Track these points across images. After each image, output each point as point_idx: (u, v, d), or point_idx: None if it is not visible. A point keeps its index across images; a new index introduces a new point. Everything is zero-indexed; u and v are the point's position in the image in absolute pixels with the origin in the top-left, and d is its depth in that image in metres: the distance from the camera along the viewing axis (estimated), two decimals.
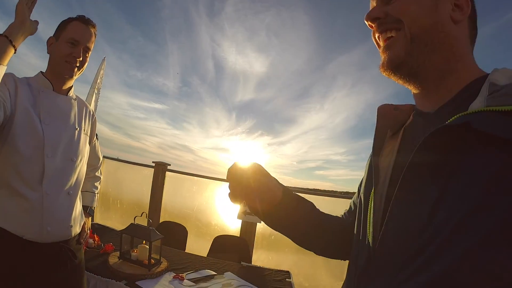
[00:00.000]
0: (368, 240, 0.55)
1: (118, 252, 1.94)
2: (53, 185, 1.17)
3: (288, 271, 2.22)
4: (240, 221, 3.66)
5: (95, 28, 1.30)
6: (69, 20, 1.26)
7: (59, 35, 1.24)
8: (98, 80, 4.19)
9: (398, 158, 0.57)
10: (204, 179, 4.29)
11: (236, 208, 3.64)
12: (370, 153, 0.67)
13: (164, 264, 1.94)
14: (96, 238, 2.12)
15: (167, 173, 4.26)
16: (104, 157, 4.58)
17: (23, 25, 1.06)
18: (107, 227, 2.81)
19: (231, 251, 2.89)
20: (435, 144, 0.45)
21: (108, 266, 1.80)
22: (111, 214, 4.49)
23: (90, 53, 1.30)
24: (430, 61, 0.54)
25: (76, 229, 1.31)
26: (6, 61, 1.01)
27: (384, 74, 0.59)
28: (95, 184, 1.65)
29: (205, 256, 2.77)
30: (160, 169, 4.24)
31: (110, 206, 4.49)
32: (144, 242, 1.91)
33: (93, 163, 1.59)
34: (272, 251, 3.80)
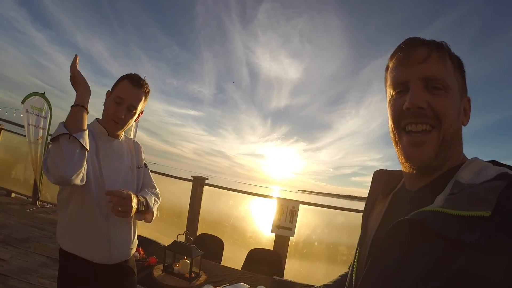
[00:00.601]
0: None
1: (162, 265, 2.15)
2: (116, 219, 1.36)
3: (315, 286, 2.30)
4: (274, 234, 3.82)
5: (143, 88, 1.43)
6: (122, 78, 1.42)
7: (112, 91, 1.42)
8: None
9: (381, 223, 0.68)
10: (240, 193, 4.50)
11: (270, 221, 3.81)
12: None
13: (203, 277, 2.13)
14: (141, 252, 2.35)
15: (205, 186, 4.51)
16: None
17: (87, 90, 1.28)
18: (150, 240, 3.05)
19: (264, 264, 3.03)
20: (399, 229, 0.55)
21: (153, 279, 2.00)
22: (152, 225, 4.78)
23: (137, 110, 1.44)
24: (443, 159, 0.60)
25: (134, 249, 1.53)
26: (85, 126, 1.22)
27: (408, 165, 0.63)
28: (153, 191, 1.62)
29: (240, 268, 2.95)
30: (198, 183, 4.48)
31: None
32: (185, 257, 2.11)
33: (149, 185, 1.65)
34: (304, 261, 3.91)
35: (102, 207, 1.32)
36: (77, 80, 1.27)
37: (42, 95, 5.60)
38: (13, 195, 6.06)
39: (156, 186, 1.68)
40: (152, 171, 5.02)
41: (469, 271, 0.45)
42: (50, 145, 1.18)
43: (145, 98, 1.46)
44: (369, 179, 0.81)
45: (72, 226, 1.36)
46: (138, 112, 1.45)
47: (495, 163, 0.58)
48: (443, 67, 0.60)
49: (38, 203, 5.89)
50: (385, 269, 0.57)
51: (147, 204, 1.44)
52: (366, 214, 0.76)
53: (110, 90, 1.45)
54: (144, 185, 1.60)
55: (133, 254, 1.56)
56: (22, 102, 5.42)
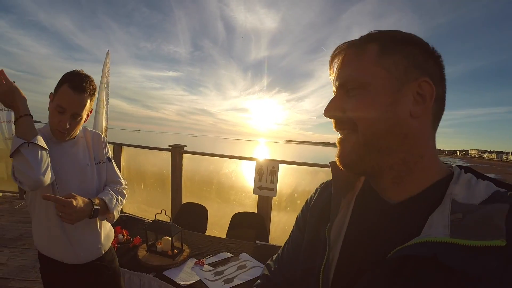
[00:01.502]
0: None
1: (145, 245, 2.19)
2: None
3: None
4: (256, 196, 3.90)
5: (87, 92, 1.33)
6: (62, 82, 1.31)
7: (54, 96, 1.33)
8: (106, 74, 4.33)
9: (347, 237, 0.60)
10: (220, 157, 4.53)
11: (252, 183, 3.87)
12: (307, 203, 0.77)
13: (186, 252, 2.19)
14: (125, 233, 2.38)
15: (184, 154, 4.50)
16: (122, 144, 4.84)
17: (24, 98, 1.24)
18: (134, 217, 3.09)
19: (248, 227, 3.14)
20: (395, 263, 0.48)
21: (138, 260, 2.05)
22: (136, 198, 4.81)
23: (84, 115, 1.37)
24: (386, 164, 0.55)
25: (107, 245, 1.54)
26: (36, 130, 1.23)
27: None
28: (116, 188, 1.56)
29: (225, 234, 3.04)
30: (177, 152, 4.46)
31: (135, 190, 4.79)
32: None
33: (114, 180, 1.60)
34: (288, 219, 4.04)
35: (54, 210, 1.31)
36: (15, 95, 1.20)
37: None
38: None
39: (122, 180, 1.62)
40: (130, 145, 4.97)
41: None
42: (13, 160, 1.17)
43: (91, 99, 1.38)
44: None
45: (40, 229, 1.39)
46: (85, 115, 1.39)
47: (471, 170, 0.55)
48: (357, 63, 0.55)
49: (25, 197, 5.83)
50: None
51: (106, 206, 1.42)
52: (320, 218, 0.68)
53: (52, 92, 1.35)
54: (108, 181, 1.56)
55: (110, 248, 1.57)
56: None
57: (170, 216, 2.29)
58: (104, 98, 4.25)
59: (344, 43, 0.58)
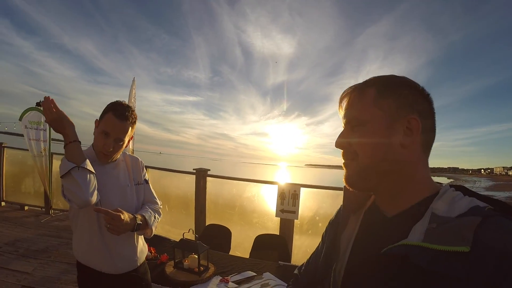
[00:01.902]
0: None
1: (172, 262, 2.30)
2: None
3: None
4: (279, 218, 3.97)
5: (129, 120, 1.50)
6: (107, 110, 1.49)
7: (99, 122, 1.51)
8: (132, 100, 4.58)
9: (355, 245, 0.74)
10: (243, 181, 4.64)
11: (274, 207, 3.95)
12: (330, 221, 0.91)
13: (211, 270, 2.27)
14: (153, 250, 2.50)
15: (208, 178, 4.64)
16: (147, 166, 5.03)
17: (73, 125, 1.38)
18: (161, 237, 3.20)
19: (271, 248, 3.18)
20: (380, 261, 0.63)
21: (166, 275, 2.15)
22: (162, 219, 4.93)
23: (125, 140, 1.53)
24: (382, 184, 0.68)
25: (142, 259, 1.67)
26: (84, 155, 1.37)
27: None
28: (153, 207, 1.72)
29: (248, 255, 3.10)
30: (201, 175, 4.61)
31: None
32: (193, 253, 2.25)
33: (151, 200, 1.75)
34: (310, 242, 4.06)
35: (101, 225, 1.45)
36: (64, 121, 1.35)
37: (37, 108, 5.75)
38: (26, 208, 6.35)
39: (157, 200, 1.78)
40: (155, 168, 5.16)
41: None
42: (62, 179, 1.31)
43: (132, 127, 1.54)
44: None
45: (82, 241, 1.52)
46: (126, 141, 1.54)
47: (463, 189, 0.64)
48: (358, 105, 0.69)
49: (51, 211, 6.16)
50: None
51: (146, 222, 1.55)
52: (337, 230, 0.84)
53: (98, 119, 1.53)
54: (145, 200, 1.70)
55: (144, 262, 1.69)
56: (20, 119, 5.64)
57: (197, 236, 2.39)
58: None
59: (350, 87, 0.73)
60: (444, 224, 0.56)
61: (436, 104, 0.69)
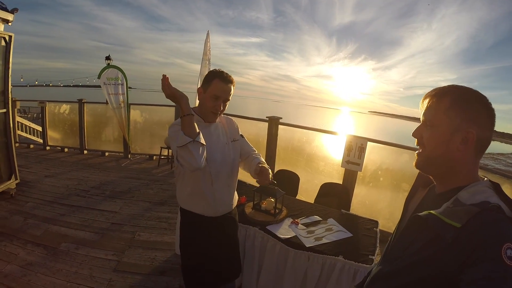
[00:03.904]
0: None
1: (251, 203, 2.77)
2: (219, 184, 1.82)
3: (376, 221, 2.75)
4: (343, 169, 4.27)
5: (232, 83, 1.75)
6: (212, 77, 1.72)
7: (206, 89, 1.74)
8: (208, 52, 4.91)
9: (417, 209, 0.98)
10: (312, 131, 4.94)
11: (340, 157, 4.23)
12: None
13: (284, 212, 2.71)
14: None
15: (279, 126, 5.01)
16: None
17: (186, 99, 1.58)
18: (240, 181, 3.67)
19: (334, 196, 3.50)
20: (415, 220, 0.85)
21: (245, 215, 2.61)
22: None
23: (230, 98, 1.79)
24: (438, 172, 0.90)
25: (235, 203, 2.06)
26: (197, 128, 1.58)
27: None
28: (257, 155, 2.04)
29: (313, 201, 3.48)
30: (273, 123, 4.98)
31: None
32: (270, 196, 2.68)
33: (248, 151, 2.04)
34: (369, 193, 4.33)
35: (208, 176, 1.80)
36: (176, 96, 1.58)
37: (114, 66, 6.63)
38: (107, 154, 7.33)
39: (254, 149, 2.10)
40: (230, 114, 5.65)
41: (439, 254, 0.75)
42: (178, 148, 1.53)
43: (233, 88, 1.80)
44: None
45: (188, 191, 1.84)
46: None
47: (496, 186, 0.83)
48: (434, 110, 0.87)
49: (129, 155, 7.13)
50: (402, 243, 0.91)
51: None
52: (409, 198, 1.10)
53: (201, 87, 1.79)
54: (246, 152, 2.03)
55: (234, 207, 2.07)
56: (98, 77, 6.43)
57: (275, 182, 2.80)
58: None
59: (433, 89, 0.90)
60: (458, 207, 0.78)
61: None
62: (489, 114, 0.83)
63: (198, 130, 1.57)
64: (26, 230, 3.55)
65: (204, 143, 1.57)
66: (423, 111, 0.92)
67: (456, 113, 0.83)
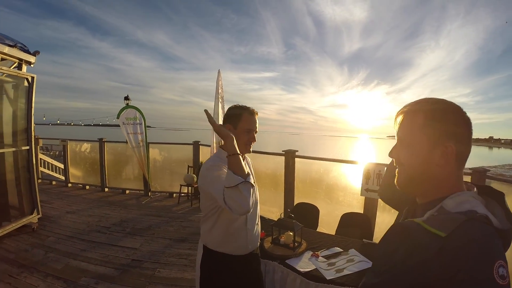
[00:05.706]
0: None
1: (270, 238, 2.74)
2: (251, 224, 1.83)
3: None
4: (363, 198, 4.21)
5: (257, 114, 1.82)
6: (240, 112, 1.76)
7: (236, 125, 1.75)
8: (220, 90, 5.06)
9: (404, 217, 0.99)
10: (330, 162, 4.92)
11: (359, 185, 4.18)
12: None
13: (304, 245, 2.67)
14: None
15: (296, 159, 5.02)
16: None
17: (232, 138, 1.47)
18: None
19: (355, 226, 3.45)
20: (398, 228, 0.81)
21: (265, 250, 2.59)
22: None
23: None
24: (420, 190, 0.87)
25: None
26: (246, 168, 1.47)
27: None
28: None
29: (334, 232, 3.43)
30: (290, 156, 5.00)
31: None
32: (288, 230, 2.66)
33: None
34: (392, 220, 4.23)
35: (243, 216, 1.79)
36: (221, 134, 1.49)
37: (132, 106, 6.92)
38: (127, 191, 7.48)
39: None
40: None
41: (424, 264, 0.68)
42: (227, 189, 1.42)
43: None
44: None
45: (219, 232, 1.78)
46: None
47: (489, 189, 0.84)
48: (408, 129, 0.85)
49: (149, 193, 7.26)
50: (384, 252, 0.84)
51: None
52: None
53: (229, 124, 1.78)
54: None
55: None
56: (117, 117, 6.69)
57: (283, 214, 2.80)
58: (220, 111, 4.94)
59: (404, 106, 0.88)
60: (442, 215, 0.75)
61: None
62: (466, 124, 0.80)
63: (248, 171, 1.47)
64: (46, 263, 3.64)
65: (254, 185, 1.50)
66: (397, 129, 0.89)
67: (432, 129, 0.81)
